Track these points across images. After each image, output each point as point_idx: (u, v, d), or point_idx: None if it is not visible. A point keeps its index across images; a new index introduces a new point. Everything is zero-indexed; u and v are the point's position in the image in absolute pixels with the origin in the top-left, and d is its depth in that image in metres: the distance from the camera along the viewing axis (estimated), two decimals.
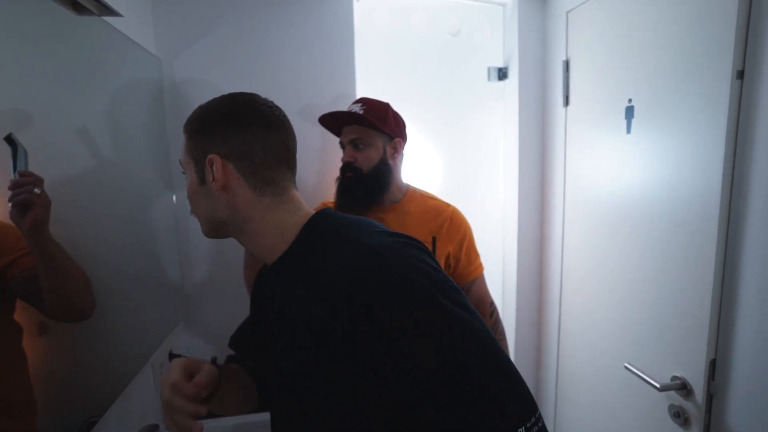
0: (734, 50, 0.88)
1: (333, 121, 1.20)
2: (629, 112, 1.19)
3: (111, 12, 0.83)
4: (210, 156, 0.63)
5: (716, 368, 0.99)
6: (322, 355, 0.55)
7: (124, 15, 0.88)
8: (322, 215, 0.66)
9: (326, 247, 0.60)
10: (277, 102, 1.32)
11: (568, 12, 1.42)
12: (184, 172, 0.69)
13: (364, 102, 1.17)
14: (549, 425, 1.62)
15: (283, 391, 0.65)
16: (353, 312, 0.52)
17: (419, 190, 1.27)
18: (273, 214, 0.65)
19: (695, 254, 1.01)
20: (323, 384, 0.57)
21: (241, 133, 0.64)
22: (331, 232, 0.62)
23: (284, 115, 0.69)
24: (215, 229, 0.68)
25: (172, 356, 1.26)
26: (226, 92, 1.28)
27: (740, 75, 0.89)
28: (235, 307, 1.40)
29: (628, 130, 1.20)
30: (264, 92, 1.32)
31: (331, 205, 1.25)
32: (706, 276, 0.98)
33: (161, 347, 1.18)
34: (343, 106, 1.24)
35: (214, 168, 0.63)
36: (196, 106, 1.27)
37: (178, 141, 1.30)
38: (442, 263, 1.13)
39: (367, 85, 1.44)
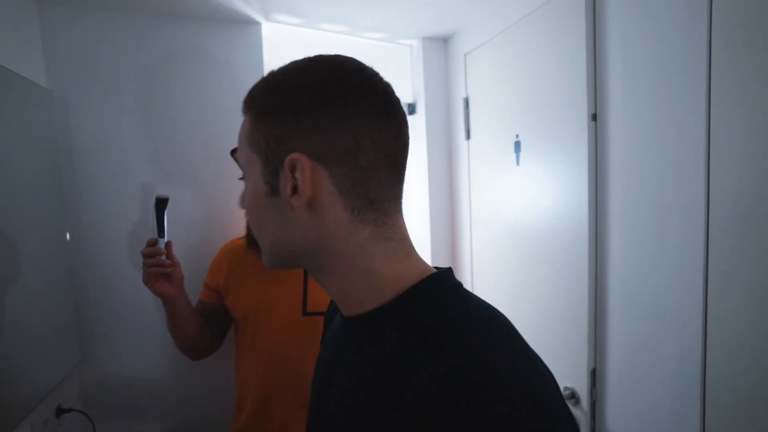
0: (587, 96, 1.03)
1: None
2: (517, 146, 1.32)
3: None
4: (293, 156, 0.41)
5: (596, 376, 1.09)
6: None
7: None
8: (447, 281, 0.45)
9: (448, 338, 0.39)
10: (184, 137, 1.35)
11: (465, 54, 1.56)
12: (242, 175, 0.48)
13: None
14: None
15: None
16: None
17: None
18: (369, 254, 0.43)
19: (572, 274, 1.12)
20: None
21: (344, 119, 0.41)
22: (459, 316, 0.41)
23: (395, 95, 0.45)
24: (282, 261, 0.47)
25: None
26: (127, 126, 1.29)
27: (594, 117, 1.04)
28: (143, 350, 1.33)
29: (517, 162, 1.33)
30: (169, 126, 1.33)
31: (239, 243, 1.23)
32: (582, 293, 1.09)
33: (45, 401, 1.07)
34: None
35: (297, 174, 0.41)
36: (93, 140, 1.27)
37: (72, 176, 1.25)
38: None
39: None
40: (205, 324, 1.17)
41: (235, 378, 1.20)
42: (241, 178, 0.49)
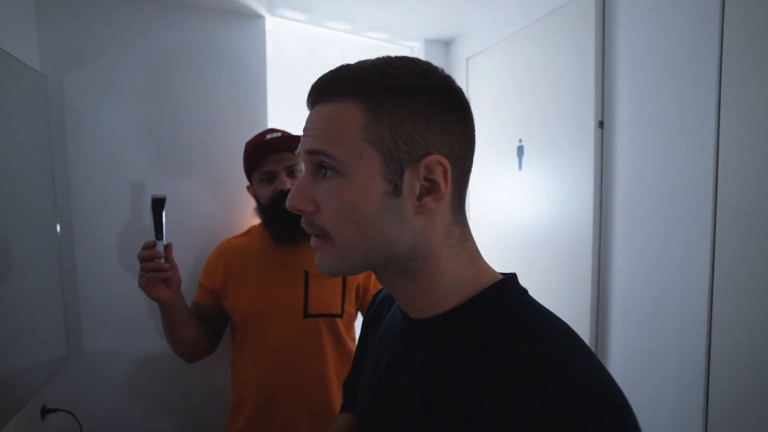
0: (595, 104, 1.05)
1: (269, 149, 1.10)
2: (520, 150, 1.34)
3: None
4: (434, 157, 0.41)
5: None
6: None
7: None
8: (516, 287, 0.47)
9: (520, 348, 0.40)
10: (182, 130, 1.31)
11: (467, 59, 1.57)
12: (329, 169, 0.42)
13: (280, 131, 1.16)
14: None
15: None
16: None
17: None
18: (457, 254, 0.45)
19: (575, 278, 1.14)
20: None
21: (462, 124, 0.43)
22: (528, 324, 0.43)
23: None
24: (364, 267, 0.45)
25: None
26: (127, 117, 1.24)
27: (601, 125, 1.06)
28: (131, 348, 1.28)
29: (520, 167, 1.34)
30: (169, 118, 1.29)
31: (235, 242, 1.20)
32: (584, 297, 1.11)
33: (31, 401, 1.02)
34: (251, 135, 1.22)
35: (437, 176, 0.41)
36: (87, 129, 1.22)
37: (64, 166, 1.20)
38: (352, 295, 1.14)
39: (280, 116, 1.44)
40: (202, 326, 1.13)
41: (232, 380, 1.17)
42: (326, 172, 0.43)
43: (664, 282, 0.93)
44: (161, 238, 1.02)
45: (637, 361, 1.00)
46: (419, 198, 0.42)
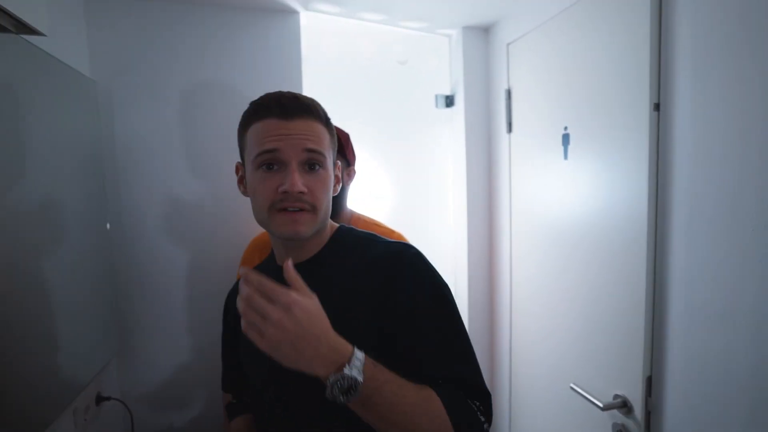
0: (650, 85, 0.95)
1: None
2: (565, 139, 1.25)
3: (30, 30, 0.79)
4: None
5: (652, 385, 1.02)
6: (369, 315, 0.66)
7: (47, 35, 0.83)
8: (346, 227, 0.80)
9: (359, 247, 0.74)
10: (221, 128, 1.34)
11: (508, 44, 1.49)
12: (317, 164, 0.69)
13: None
14: None
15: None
16: (388, 282, 0.67)
17: (363, 216, 1.26)
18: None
19: (628, 275, 1.05)
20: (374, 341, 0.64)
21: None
22: (357, 239, 0.77)
23: None
24: (322, 222, 0.73)
25: None
26: (170, 118, 1.29)
27: (657, 107, 0.96)
28: (177, 341, 1.33)
29: (565, 156, 1.26)
30: (210, 117, 1.32)
31: (267, 237, 1.21)
32: (638, 295, 1.02)
33: (87, 389, 1.08)
34: None
35: (339, 167, 0.76)
36: (135, 131, 1.27)
37: (114, 167, 1.26)
38: None
39: None
40: None
41: None
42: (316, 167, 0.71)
43: (734, 282, 0.83)
44: None
45: (703, 369, 0.91)
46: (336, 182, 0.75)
